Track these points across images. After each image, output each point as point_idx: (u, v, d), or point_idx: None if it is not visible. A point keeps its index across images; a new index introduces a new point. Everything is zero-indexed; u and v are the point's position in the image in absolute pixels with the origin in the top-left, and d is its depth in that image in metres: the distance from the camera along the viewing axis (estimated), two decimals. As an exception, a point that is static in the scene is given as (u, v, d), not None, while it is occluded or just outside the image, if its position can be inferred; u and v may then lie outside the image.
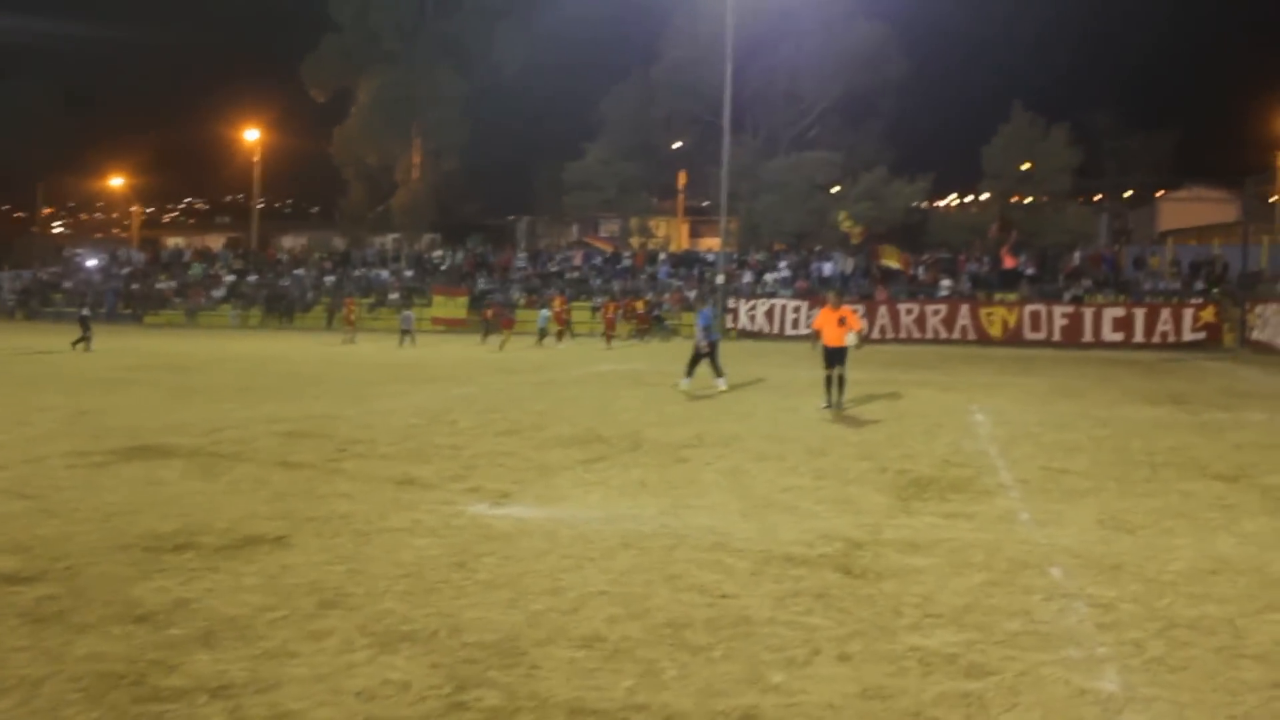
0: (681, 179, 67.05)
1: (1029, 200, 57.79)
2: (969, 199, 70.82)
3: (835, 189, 57.91)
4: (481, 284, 54.21)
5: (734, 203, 52.85)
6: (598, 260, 56.89)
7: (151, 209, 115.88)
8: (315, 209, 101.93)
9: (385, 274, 56.83)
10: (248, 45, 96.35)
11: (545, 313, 40.31)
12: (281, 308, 53.94)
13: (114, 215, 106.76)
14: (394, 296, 52.80)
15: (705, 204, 66.92)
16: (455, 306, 50.50)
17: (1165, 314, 39.35)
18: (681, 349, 36.10)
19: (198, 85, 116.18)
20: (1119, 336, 39.21)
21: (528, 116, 73.67)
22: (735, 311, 45.70)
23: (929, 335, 41.84)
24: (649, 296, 47.76)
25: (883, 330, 42.16)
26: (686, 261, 54.65)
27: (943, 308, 42.53)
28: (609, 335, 38.67)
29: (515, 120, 71.78)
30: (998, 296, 43.87)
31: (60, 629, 5.30)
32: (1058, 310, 40.81)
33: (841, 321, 16.08)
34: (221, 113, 76.04)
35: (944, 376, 23.90)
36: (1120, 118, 70.65)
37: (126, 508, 8.22)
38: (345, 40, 65.62)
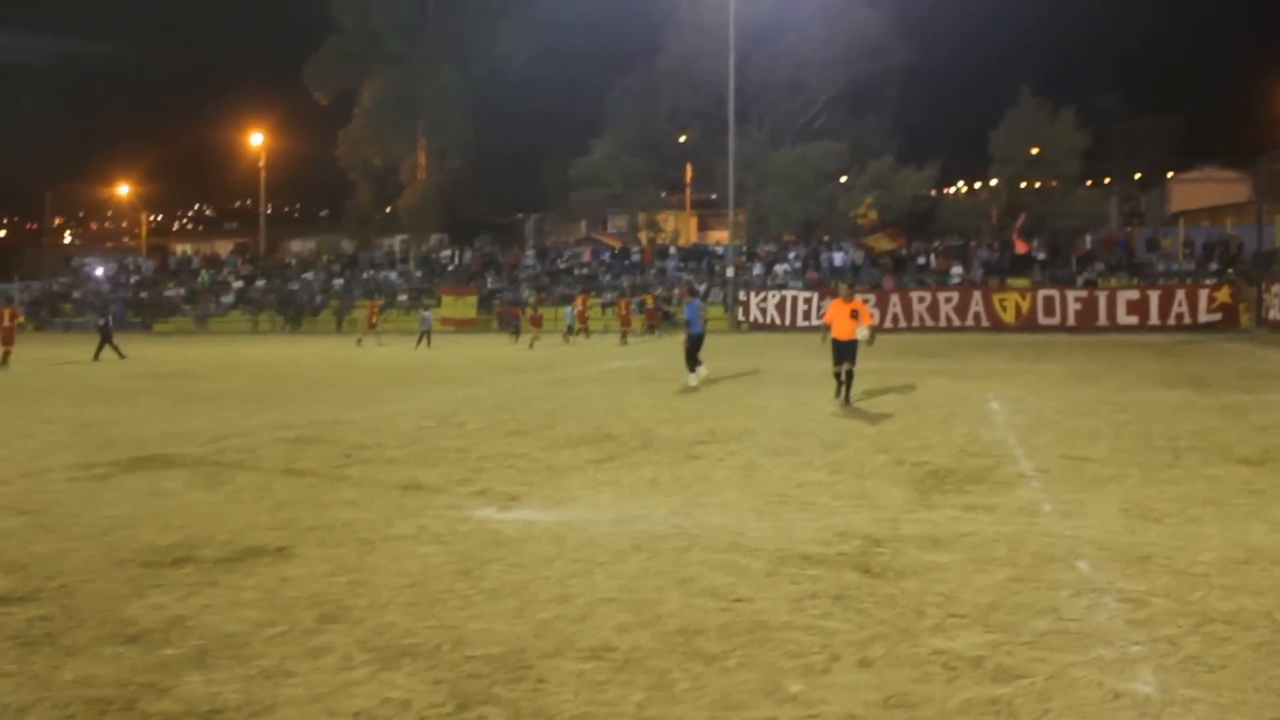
0: (688, 172, 66.80)
1: (1038, 185, 57.34)
2: (978, 185, 70.45)
3: (843, 179, 57.52)
4: (490, 283, 54.08)
5: (741, 195, 52.62)
6: (606, 256, 56.70)
7: (160, 217, 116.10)
8: (324, 212, 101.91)
9: (393, 276, 56.72)
10: (251, 49, 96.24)
11: (571, 309, 40.64)
12: (291, 312, 53.87)
13: (124, 224, 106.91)
14: (402, 298, 52.67)
15: (713, 197, 66.62)
16: (464, 306, 50.37)
17: (1180, 295, 39.00)
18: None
19: (202, 92, 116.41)
20: (1134, 319, 38.88)
21: (532, 114, 73.38)
22: (746, 304, 45.44)
23: (942, 323, 41.55)
24: (658, 291, 47.52)
25: (895, 319, 41.89)
26: (695, 255, 54.47)
27: (955, 295, 42.23)
28: (624, 331, 38.46)
29: (520, 118, 71.55)
30: (1010, 282, 43.56)
31: (50, 651, 5.10)
32: (1071, 295, 40.49)
33: (854, 314, 15.60)
34: (227, 118, 76.02)
35: (958, 365, 23.64)
36: (1128, 99, 70.07)
37: (126, 521, 8.03)
38: (347, 42, 65.44)
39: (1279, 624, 5.28)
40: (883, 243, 48.25)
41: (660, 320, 43.62)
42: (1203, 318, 38.00)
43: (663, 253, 55.48)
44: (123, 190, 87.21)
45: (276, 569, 6.58)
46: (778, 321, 44.27)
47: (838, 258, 49.31)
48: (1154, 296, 39.46)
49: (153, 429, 13.76)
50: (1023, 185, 57.40)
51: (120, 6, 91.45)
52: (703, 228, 74.26)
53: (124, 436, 13.02)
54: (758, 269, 50.22)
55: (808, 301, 43.34)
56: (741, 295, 45.88)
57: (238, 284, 58.43)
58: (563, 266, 55.48)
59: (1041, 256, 45.94)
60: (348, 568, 6.59)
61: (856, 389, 15.89)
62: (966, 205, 62.68)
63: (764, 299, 45.30)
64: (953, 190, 74.46)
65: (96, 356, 29.43)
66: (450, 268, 57.27)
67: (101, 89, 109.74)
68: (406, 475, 9.93)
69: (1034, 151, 55.60)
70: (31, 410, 16.43)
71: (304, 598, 5.95)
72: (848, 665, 4.76)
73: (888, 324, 41.24)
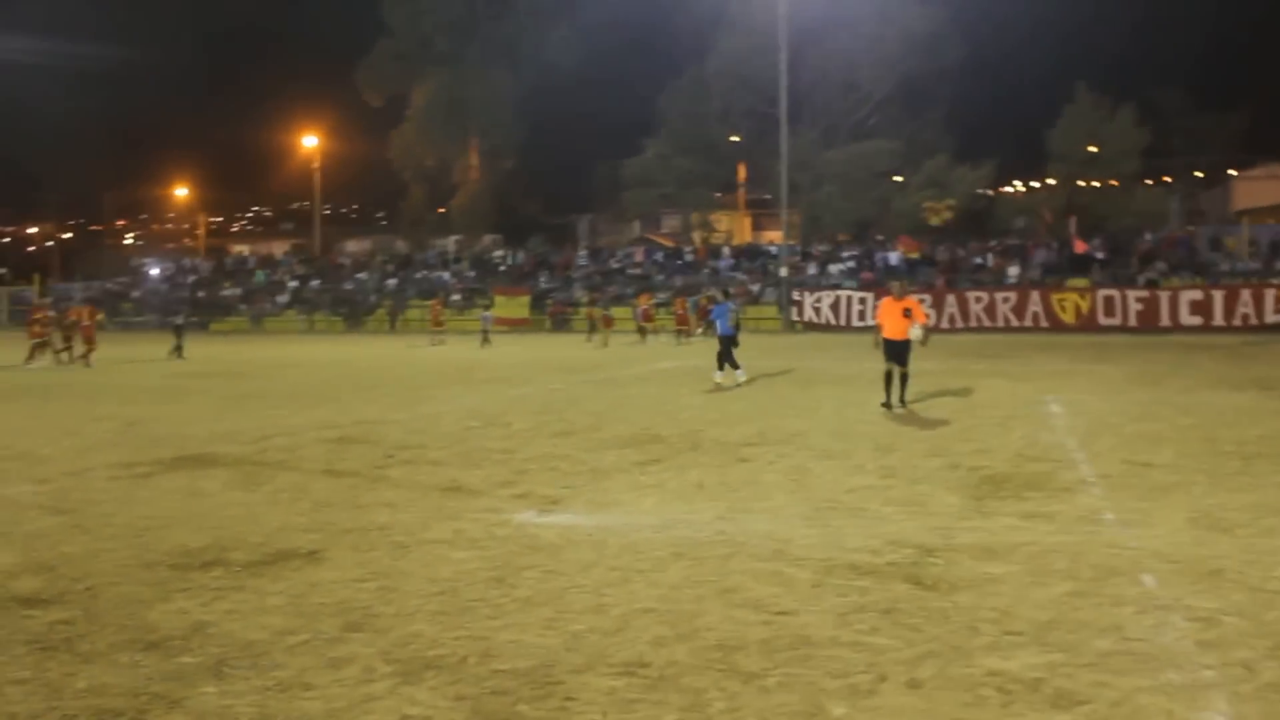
0: (741, 172, 66.38)
1: (1096, 184, 56.25)
2: (1035, 184, 69.36)
3: (898, 178, 56.83)
4: (543, 283, 54.06)
5: (795, 194, 52.13)
6: (659, 256, 56.45)
7: (220, 218, 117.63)
8: (380, 214, 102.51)
9: (446, 276, 56.85)
10: (308, 53, 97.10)
11: (637, 309, 40.67)
12: (345, 312, 54.19)
13: (184, 226, 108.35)
14: (455, 298, 52.77)
15: (767, 197, 66.11)
16: (517, 306, 50.38)
17: (1245, 295, 38.05)
18: (745, 343, 35.53)
19: (258, 95, 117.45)
20: (1197, 320, 37.98)
21: (584, 114, 73.40)
22: (800, 304, 45.00)
23: (999, 323, 40.87)
24: (712, 291, 47.15)
25: (952, 319, 41.27)
26: (750, 254, 54.05)
27: (1013, 295, 41.52)
28: (681, 331, 38.01)
29: (571, 118, 71.58)
30: (1069, 282, 42.76)
31: (67, 658, 4.94)
32: (1132, 295, 39.66)
33: (906, 313, 14.87)
34: (284, 121, 76.54)
35: (1016, 366, 23.12)
36: (1190, 95, 68.71)
37: (161, 522, 7.91)
38: (398, 44, 65.67)
39: (1363, 646, 4.91)
40: (911, 250, 47.70)
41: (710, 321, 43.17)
42: (1269, 318, 37.02)
43: (716, 253, 55.11)
44: (181, 192, 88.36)
45: (306, 573, 6.40)
46: (832, 321, 43.79)
47: (892, 257, 48.67)
48: (1218, 296, 38.53)
49: (199, 428, 13.71)
50: (1080, 184, 56.32)
51: (181, 12, 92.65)
52: (757, 227, 73.76)
53: (169, 435, 12.97)
54: (812, 269, 49.74)
55: (862, 301, 42.80)
56: (795, 295, 45.43)
57: (293, 284, 58.86)
58: (616, 266, 55.29)
59: (1101, 256, 45.04)
60: (378, 573, 6.40)
61: (911, 390, 15.34)
62: (1024, 204, 61.65)
63: (818, 299, 44.83)
64: (1010, 189, 73.35)
65: (180, 354, 29.57)
66: (503, 268, 57.30)
67: (161, 93, 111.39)
68: (448, 477, 9.75)
69: (1092, 149, 54.54)
70: (83, 408, 16.48)
71: (330, 604, 5.75)
72: (895, 686, 4.47)
73: (944, 324, 40.63)
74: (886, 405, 14.82)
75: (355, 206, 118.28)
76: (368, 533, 7.48)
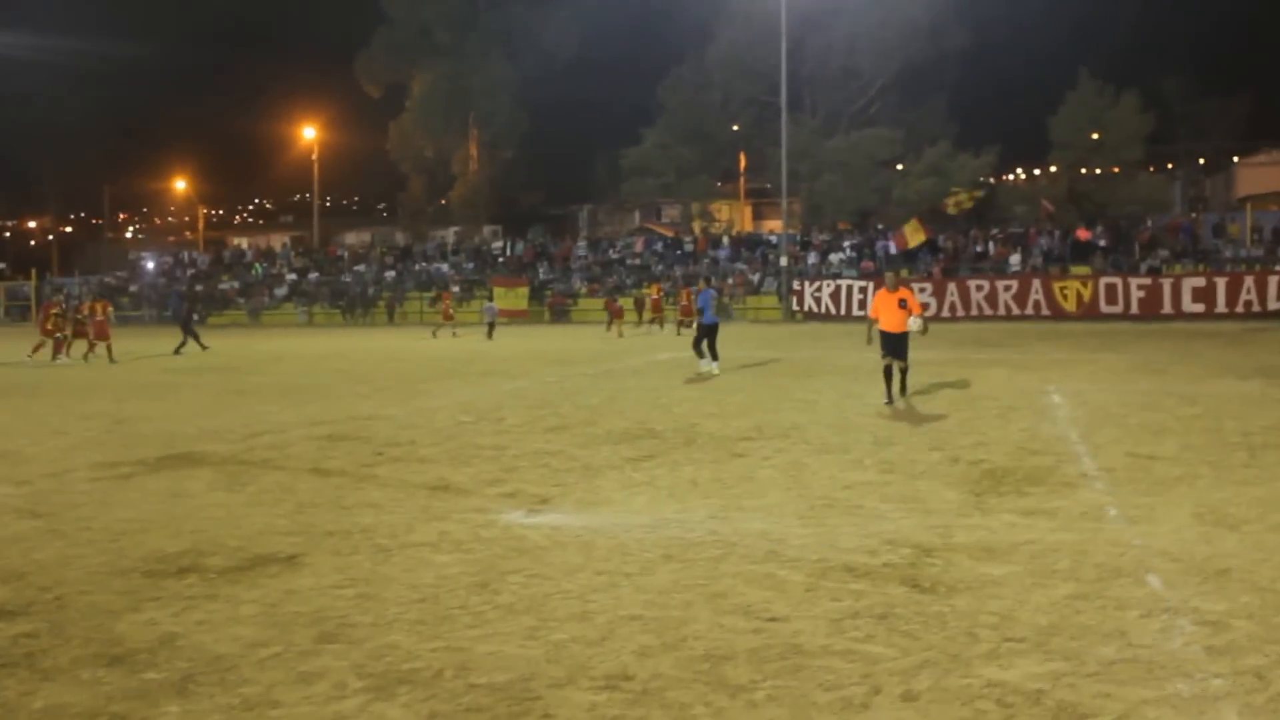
0: (742, 161, 66.04)
1: (1099, 171, 55.83)
2: (1037, 171, 69.00)
3: (899, 166, 56.44)
4: (542, 274, 53.82)
5: (795, 183, 51.81)
6: (658, 246, 56.18)
7: (221, 211, 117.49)
8: (381, 205, 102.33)
9: (445, 267, 56.59)
10: (307, 43, 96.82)
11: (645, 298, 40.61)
12: (343, 304, 53.98)
13: (185, 219, 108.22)
14: (455, 289, 52.53)
15: (767, 186, 65.75)
16: (515, 298, 50.12)
17: (1249, 283, 37.73)
18: (745, 332, 35.48)
19: (257, 87, 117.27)
20: (1200, 307, 37.68)
21: (583, 104, 73.10)
22: (800, 294, 44.76)
23: (1000, 312, 40.60)
24: (712, 280, 46.84)
25: (953, 308, 41.02)
26: (750, 244, 53.74)
27: (1014, 283, 41.24)
28: (683, 322, 37.55)
29: (571, 108, 71.30)
30: (1071, 270, 42.49)
31: (26, 674, 4.74)
32: (1134, 282, 39.35)
33: (902, 304, 14.42)
34: (283, 113, 76.37)
35: (1017, 355, 22.89)
36: (1193, 81, 68.21)
37: (139, 525, 7.70)
38: (397, 34, 65.27)
39: (1380, 652, 4.70)
40: (917, 235, 47.29)
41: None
42: (1272, 305, 36.70)
43: (716, 242, 54.81)
44: (180, 185, 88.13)
45: (283, 580, 6.20)
46: (832, 311, 43.53)
47: (893, 246, 48.35)
48: (1221, 284, 38.21)
49: (187, 425, 13.51)
50: (1083, 171, 55.93)
51: (180, 4, 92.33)
52: (757, 217, 73.41)
53: (156, 433, 12.77)
54: (812, 258, 49.42)
55: (863, 291, 42.45)
56: (796, 285, 45.17)
57: (291, 277, 58.61)
58: (615, 257, 55.01)
59: (1103, 243, 44.74)
60: (358, 579, 6.19)
61: (911, 381, 15.05)
62: (1026, 192, 61.27)
63: (818, 288, 44.56)
64: (1011, 177, 72.98)
65: (181, 351, 29.28)
66: (501, 259, 57.04)
67: (161, 85, 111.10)
68: (436, 475, 9.54)
69: (1095, 136, 54.13)
70: (72, 405, 16.28)
71: (306, 614, 5.55)
72: (889, 700, 4.26)
73: (944, 313, 40.41)
74: (889, 402, 14.30)
75: (356, 199, 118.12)
76: (350, 535, 7.28)
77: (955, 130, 57.36)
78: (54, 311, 27.24)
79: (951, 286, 41.82)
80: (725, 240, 54.83)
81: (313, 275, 58.28)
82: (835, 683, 4.45)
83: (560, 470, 9.75)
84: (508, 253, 57.78)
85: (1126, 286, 39.18)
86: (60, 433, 13.04)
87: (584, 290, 51.20)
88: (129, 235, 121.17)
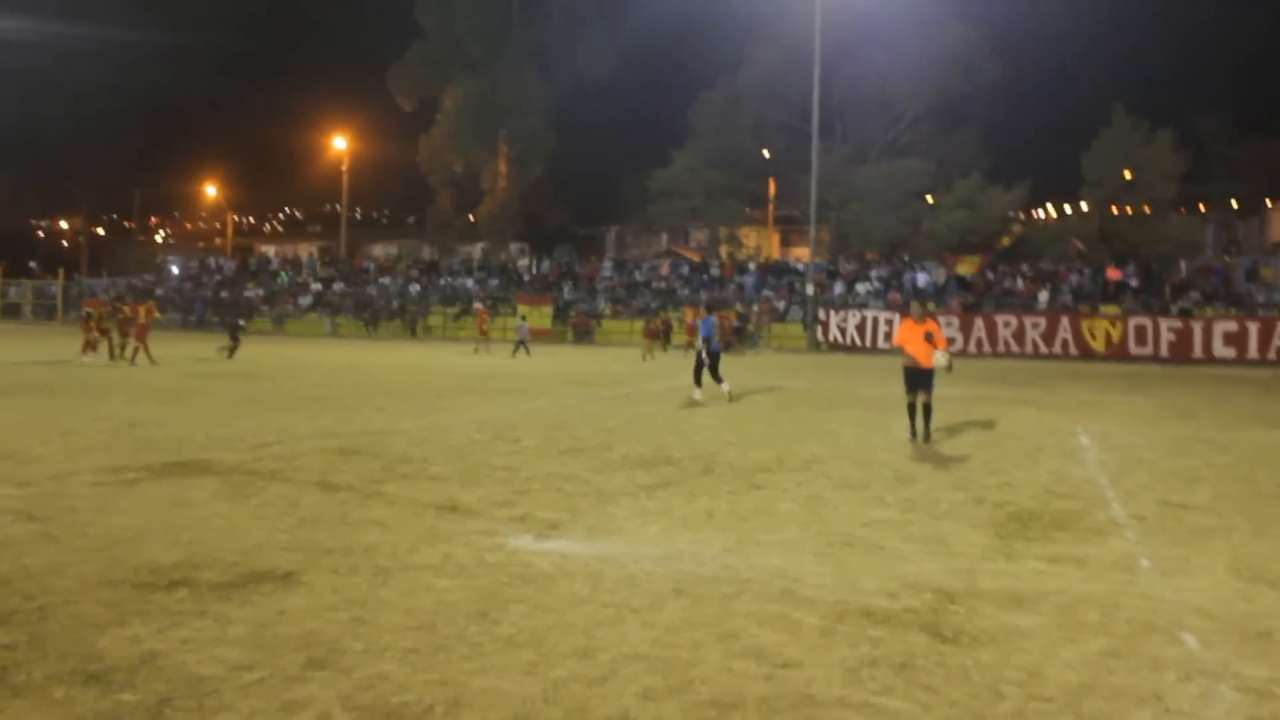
0: (771, 187, 65.84)
1: (1130, 210, 55.27)
2: (1068, 208, 68.42)
3: (929, 198, 56.09)
4: (566, 293, 53.70)
5: (824, 211, 51.55)
6: (684, 270, 55.97)
7: (251, 219, 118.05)
8: (411, 218, 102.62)
9: (470, 283, 56.54)
10: (341, 52, 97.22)
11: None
12: (367, 316, 53.97)
13: (216, 225, 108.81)
14: (478, 306, 52.47)
15: (796, 214, 65.49)
16: (539, 316, 49.98)
17: (1281, 328, 37.23)
18: (769, 361, 35.17)
19: (290, 96, 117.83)
20: (1231, 352, 37.19)
21: (614, 124, 73.01)
22: (825, 323, 44.44)
23: (1027, 349, 40.18)
24: (738, 307, 46.56)
25: (979, 343, 40.62)
26: (776, 271, 53.45)
27: (1042, 320, 40.82)
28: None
29: (602, 128, 71.18)
30: (1101, 309, 42.02)
31: (-3, 691, 4.50)
32: (1165, 324, 38.86)
33: (928, 337, 13.91)
34: (315, 123, 76.58)
35: (1044, 394, 22.50)
36: (1229, 122, 67.60)
37: (136, 533, 7.48)
38: (431, 48, 65.53)
39: None
40: (968, 265, 47.06)
41: (738, 337, 42.30)
42: (1306, 352, 36.23)
43: (742, 268, 54.55)
44: (211, 192, 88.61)
45: (276, 598, 5.95)
46: (858, 342, 43.19)
47: (921, 278, 48.01)
48: (1253, 328, 37.72)
49: (199, 431, 13.32)
50: (1114, 209, 55.39)
51: (215, 11, 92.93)
52: (785, 244, 73.12)
53: (167, 439, 12.58)
54: (839, 287, 49.10)
55: (889, 323, 42.15)
56: (821, 314, 44.87)
57: (316, 286, 58.68)
58: (640, 279, 54.84)
59: (1134, 283, 44.25)
60: (354, 601, 5.94)
61: (936, 418, 14.57)
62: (1056, 230, 60.72)
63: (844, 318, 44.24)
64: (1041, 213, 72.35)
65: (232, 353, 29.58)
66: (527, 277, 56.95)
67: (196, 92, 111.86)
68: (445, 495, 9.29)
69: (1127, 175, 53.63)
70: (86, 407, 16.13)
71: (295, 636, 5.30)
72: (908, 762, 3.97)
73: (970, 348, 40.03)
74: (913, 438, 13.93)
75: (386, 211, 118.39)
76: (351, 554, 7.03)
77: (987, 163, 56.99)
78: (97, 310, 27.35)
79: (978, 322, 41.42)
80: (752, 266, 54.56)
81: (337, 286, 58.33)
82: (850, 739, 4.16)
83: (573, 495, 9.49)
84: (533, 271, 57.70)
85: (1157, 328, 38.71)
86: (70, 434, 12.87)
87: (608, 311, 51.02)
88: (159, 239, 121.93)
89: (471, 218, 71.18)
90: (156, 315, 30.24)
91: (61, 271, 65.13)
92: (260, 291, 58.48)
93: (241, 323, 32.30)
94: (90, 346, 26.68)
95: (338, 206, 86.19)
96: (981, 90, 56.87)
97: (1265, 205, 66.83)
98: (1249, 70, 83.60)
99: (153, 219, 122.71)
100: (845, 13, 48.39)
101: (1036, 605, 6.13)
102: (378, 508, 8.65)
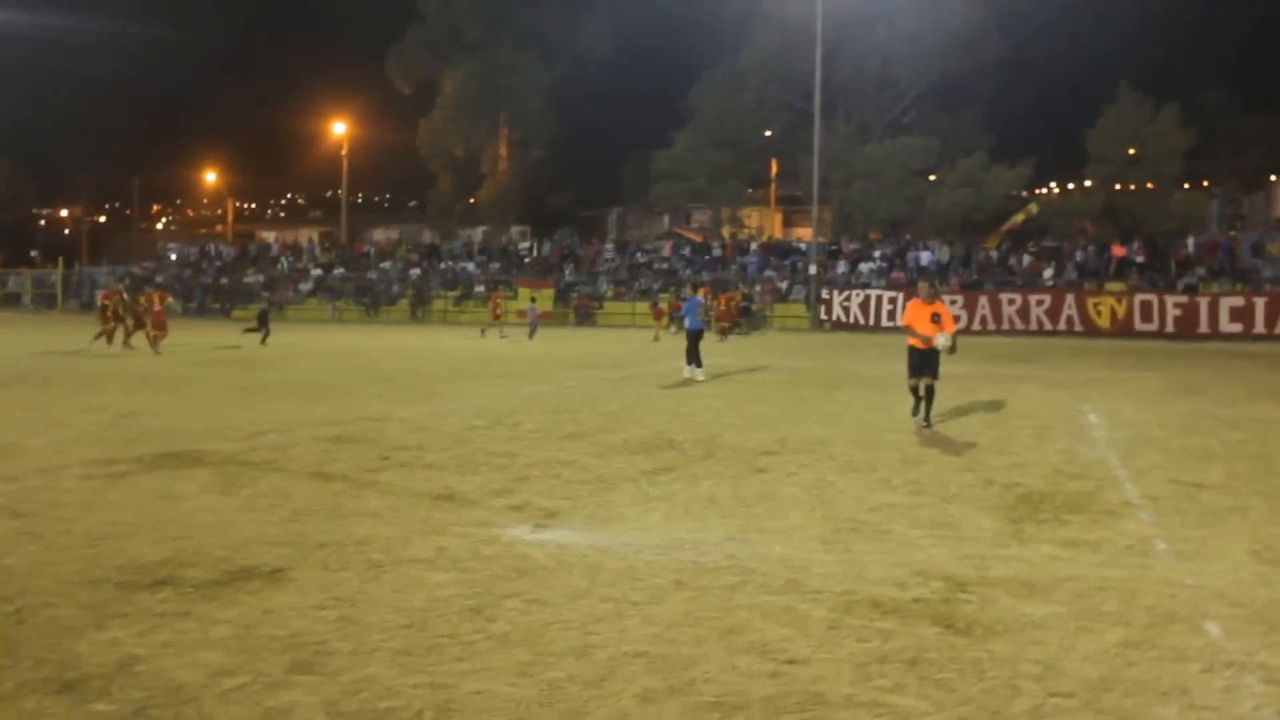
0: (773, 167, 65.47)
1: (1133, 187, 54.89)
2: (1072, 185, 68.03)
3: (932, 176, 55.71)
4: (568, 276, 53.44)
5: (826, 191, 51.24)
6: (686, 251, 55.67)
7: (253, 205, 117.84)
8: (412, 203, 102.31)
9: (471, 267, 56.29)
10: (340, 37, 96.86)
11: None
12: (368, 301, 53.76)
13: (217, 212, 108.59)
14: (480, 289, 52.24)
15: (798, 193, 65.11)
16: (542, 299, 49.72)
17: (1288, 303, 36.93)
18: (772, 341, 34.95)
19: (290, 81, 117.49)
20: (1237, 328, 36.92)
21: (615, 106, 72.73)
22: (828, 303, 44.18)
23: (1032, 326, 39.94)
24: (741, 287, 46.26)
25: (984, 321, 40.37)
26: (779, 251, 53.13)
27: (1047, 298, 40.56)
28: (723, 329, 36.56)
29: (602, 110, 70.90)
30: (1106, 286, 41.73)
31: (-35, 700, 4.30)
32: (1170, 300, 38.58)
33: (935, 318, 13.31)
34: (315, 108, 76.39)
35: (1051, 371, 22.25)
36: (1235, 97, 67.17)
37: (122, 529, 7.27)
38: (429, 31, 65.10)
39: None
40: (990, 241, 47.23)
41: (742, 317, 41.79)
42: (1313, 327, 35.94)
43: (744, 249, 54.23)
44: (211, 178, 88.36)
45: (263, 597, 5.74)
46: (860, 321, 42.95)
47: (924, 257, 47.68)
48: (1260, 303, 37.44)
49: (193, 421, 13.11)
50: (1119, 185, 55.01)
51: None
52: (788, 224, 72.81)
53: (160, 429, 12.37)
54: (842, 267, 48.80)
55: (892, 301, 41.91)
56: (824, 293, 44.60)
57: (316, 272, 58.45)
58: (642, 261, 54.54)
59: (1139, 260, 43.94)
60: (343, 598, 5.73)
61: (941, 396, 14.10)
62: (1060, 206, 60.33)
63: (847, 298, 44.00)
64: (1046, 190, 71.95)
65: (264, 339, 29.92)
66: (528, 260, 56.67)
67: (195, 79, 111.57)
68: (441, 483, 9.08)
69: (1132, 151, 53.22)
70: (80, 397, 15.90)
71: (281, 638, 5.08)
72: (922, 767, 3.76)
73: (975, 326, 39.77)
74: (917, 415, 13.52)
75: (387, 196, 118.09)
76: (342, 548, 6.82)
77: (991, 141, 56.66)
78: (106, 301, 27.14)
79: (983, 299, 41.16)
80: (754, 247, 54.26)
81: (338, 271, 58.09)
82: (860, 743, 3.94)
83: (572, 482, 9.27)
84: (535, 253, 57.42)
85: (1162, 304, 38.44)
86: (62, 425, 12.66)
87: (610, 293, 50.76)
88: (160, 226, 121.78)
89: (472, 201, 70.85)
90: (170, 301, 30.19)
91: (61, 260, 64.88)
92: (260, 278, 58.23)
93: (264, 308, 32.59)
94: (107, 336, 26.55)
95: (338, 191, 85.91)
96: (985, 68, 56.50)
97: (1270, 180, 66.49)
98: (1254, 46, 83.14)
99: (153, 206, 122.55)
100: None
101: (1051, 593, 5.92)
102: (372, 498, 8.44)
